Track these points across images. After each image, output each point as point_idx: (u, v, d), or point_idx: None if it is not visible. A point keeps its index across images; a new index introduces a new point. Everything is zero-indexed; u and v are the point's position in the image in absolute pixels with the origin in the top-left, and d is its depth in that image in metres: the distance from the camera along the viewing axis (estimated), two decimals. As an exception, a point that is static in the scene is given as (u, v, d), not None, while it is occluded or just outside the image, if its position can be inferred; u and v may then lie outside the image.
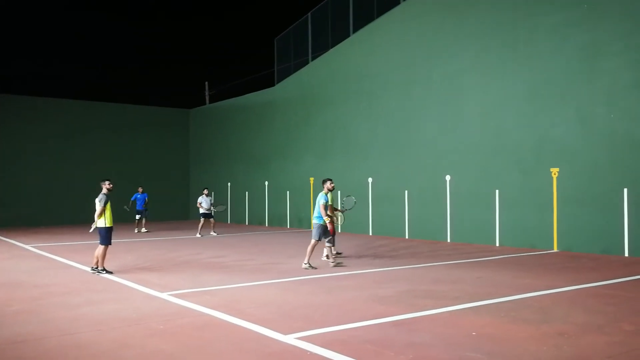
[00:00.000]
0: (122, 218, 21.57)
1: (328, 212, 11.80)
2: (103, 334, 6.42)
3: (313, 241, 11.65)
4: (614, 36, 13.55)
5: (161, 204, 26.65)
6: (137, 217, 21.63)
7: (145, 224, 21.64)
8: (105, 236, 10.92)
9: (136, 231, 21.42)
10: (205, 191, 20.19)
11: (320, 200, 11.76)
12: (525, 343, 5.91)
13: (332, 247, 12.06)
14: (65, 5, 40.15)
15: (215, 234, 19.99)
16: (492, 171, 15.90)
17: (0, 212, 24.86)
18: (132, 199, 21.63)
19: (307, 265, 11.46)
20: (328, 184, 12.18)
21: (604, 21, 13.74)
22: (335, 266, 11.67)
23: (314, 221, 11.84)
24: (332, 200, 12.53)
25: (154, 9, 43.91)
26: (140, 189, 21.81)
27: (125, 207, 21.00)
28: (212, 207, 20.12)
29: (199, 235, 19.48)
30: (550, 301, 8.10)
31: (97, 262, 10.96)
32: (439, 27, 17.70)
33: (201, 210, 19.87)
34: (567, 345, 5.84)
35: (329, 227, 11.81)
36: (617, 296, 8.48)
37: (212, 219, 20.12)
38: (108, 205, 10.98)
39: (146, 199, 21.72)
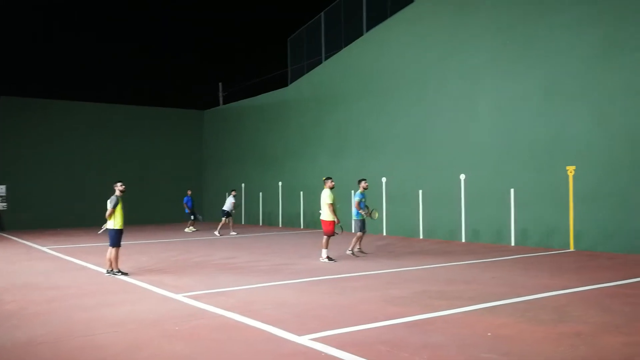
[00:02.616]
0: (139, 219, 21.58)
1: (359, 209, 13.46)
2: (119, 335, 6.46)
3: (359, 233, 13.43)
4: (630, 32, 13.38)
5: (175, 205, 26.74)
6: (194, 217, 22.72)
7: (191, 224, 22.74)
8: (115, 238, 10.87)
9: (187, 230, 22.29)
10: (234, 192, 21.83)
11: (355, 197, 13.48)
12: (542, 343, 5.86)
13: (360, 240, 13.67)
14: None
15: (218, 234, 20.67)
16: (507, 170, 15.78)
17: (18, 215, 25.18)
18: (185, 201, 22.95)
19: (351, 252, 13.38)
20: (363, 184, 13.69)
21: (620, 17, 13.58)
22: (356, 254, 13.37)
23: (353, 217, 13.51)
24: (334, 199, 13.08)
25: (174, 9, 44.29)
26: (189, 192, 23.21)
27: (199, 217, 23.33)
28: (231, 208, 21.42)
29: (232, 233, 21.09)
30: (567, 301, 8.02)
31: (111, 264, 11.02)
32: (453, 25, 17.62)
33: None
34: (584, 345, 5.78)
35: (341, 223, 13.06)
36: (636, 295, 8.38)
37: (225, 219, 21.17)
38: (119, 207, 10.85)
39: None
